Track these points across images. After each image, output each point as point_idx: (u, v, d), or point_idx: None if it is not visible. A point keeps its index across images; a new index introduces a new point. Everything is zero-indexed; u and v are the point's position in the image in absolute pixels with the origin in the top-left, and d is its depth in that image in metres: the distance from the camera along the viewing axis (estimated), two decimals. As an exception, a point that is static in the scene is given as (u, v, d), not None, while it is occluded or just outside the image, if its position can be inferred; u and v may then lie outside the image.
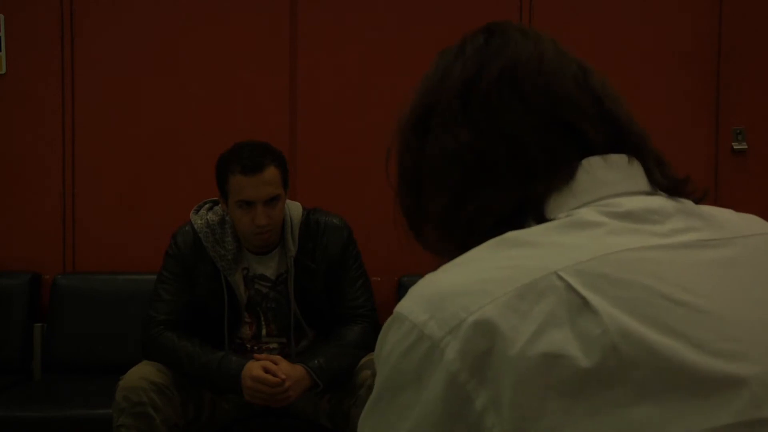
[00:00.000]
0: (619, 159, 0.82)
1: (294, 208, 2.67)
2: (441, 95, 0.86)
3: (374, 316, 2.70)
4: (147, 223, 3.49)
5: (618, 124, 0.84)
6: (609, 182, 0.80)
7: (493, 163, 0.82)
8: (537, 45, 0.86)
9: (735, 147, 3.52)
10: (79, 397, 2.95)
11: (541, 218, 0.79)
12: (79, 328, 3.33)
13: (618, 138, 0.83)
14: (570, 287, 0.69)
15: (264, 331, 2.69)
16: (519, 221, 0.79)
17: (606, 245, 0.73)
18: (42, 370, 3.37)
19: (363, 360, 2.60)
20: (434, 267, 0.78)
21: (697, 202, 0.84)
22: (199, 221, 2.63)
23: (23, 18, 3.52)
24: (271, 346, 2.69)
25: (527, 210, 0.79)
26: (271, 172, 2.52)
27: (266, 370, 2.47)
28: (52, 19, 3.50)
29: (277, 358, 2.53)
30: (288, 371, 2.48)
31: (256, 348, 2.68)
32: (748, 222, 0.83)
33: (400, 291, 3.28)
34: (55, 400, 2.95)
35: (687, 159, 3.44)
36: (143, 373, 2.47)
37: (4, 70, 3.52)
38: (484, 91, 0.84)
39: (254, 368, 2.47)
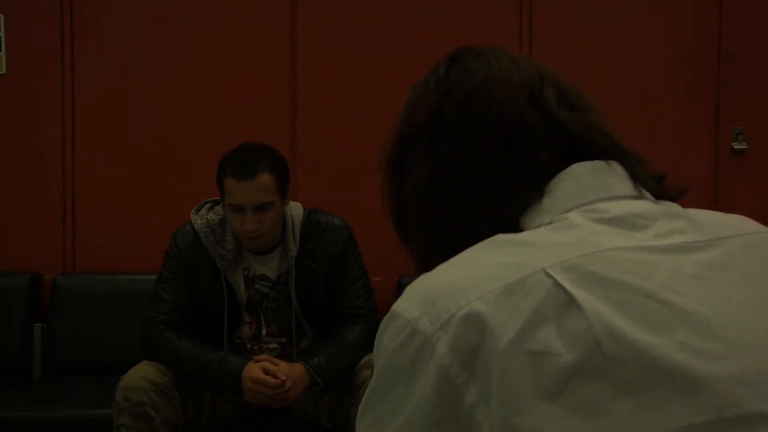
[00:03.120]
0: (600, 165, 0.83)
1: (295, 209, 2.67)
2: (410, 134, 0.91)
3: (374, 316, 2.71)
4: (147, 224, 3.49)
5: (575, 133, 0.85)
6: (593, 187, 0.82)
7: (460, 195, 0.86)
8: (490, 69, 0.88)
9: (735, 147, 3.52)
10: (79, 397, 2.96)
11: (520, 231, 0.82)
12: (79, 328, 3.33)
13: (586, 146, 0.85)
14: (557, 284, 0.71)
15: (264, 331, 2.69)
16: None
17: (594, 244, 0.75)
18: (42, 370, 3.37)
19: (363, 360, 2.61)
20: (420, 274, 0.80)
21: (675, 199, 0.85)
22: (200, 221, 2.63)
23: (23, 18, 3.52)
24: (271, 346, 2.69)
25: (504, 230, 0.81)
26: (264, 179, 2.50)
27: (266, 372, 2.47)
28: (52, 19, 3.50)
29: (276, 360, 2.54)
30: (287, 371, 2.48)
31: (256, 348, 2.69)
32: (735, 222, 0.84)
33: (400, 291, 3.25)
34: (55, 400, 2.95)
35: (687, 159, 3.45)
36: (143, 373, 2.47)
37: (4, 70, 3.52)
38: (445, 127, 0.87)
39: (254, 370, 2.48)
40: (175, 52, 3.53)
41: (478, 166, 0.85)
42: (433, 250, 0.87)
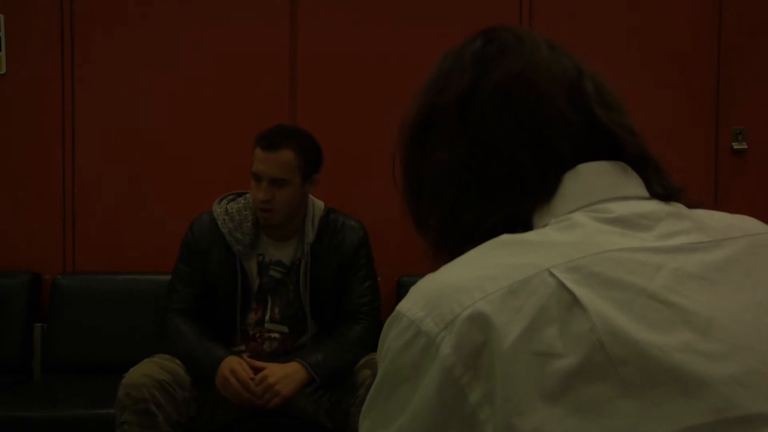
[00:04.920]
0: (612, 165, 0.83)
1: (318, 203, 2.78)
2: (439, 107, 0.87)
3: (377, 316, 2.74)
4: (147, 223, 3.49)
5: (611, 132, 0.84)
6: (600, 187, 0.81)
7: (487, 179, 0.84)
8: (532, 54, 0.86)
9: (735, 147, 3.52)
10: (79, 397, 2.95)
11: (530, 229, 0.81)
12: (79, 328, 3.33)
13: (612, 145, 0.84)
14: (561, 284, 0.71)
15: (268, 316, 2.72)
16: (510, 232, 0.81)
17: (598, 244, 0.75)
18: (42, 370, 3.37)
19: (363, 359, 2.61)
20: (433, 267, 0.80)
21: (690, 207, 0.84)
22: (219, 209, 2.72)
23: (23, 18, 3.52)
24: (273, 335, 2.72)
25: (518, 222, 0.81)
26: (285, 155, 2.60)
27: (251, 367, 2.52)
28: (52, 19, 3.50)
29: (265, 364, 2.56)
30: (275, 371, 2.50)
31: (257, 335, 2.72)
32: (740, 223, 0.84)
33: (400, 291, 3.28)
34: (55, 400, 2.95)
35: (687, 159, 3.45)
36: (146, 371, 2.49)
37: (4, 70, 3.52)
38: (479, 107, 0.85)
39: (234, 361, 2.52)
40: (176, 52, 3.52)
41: (509, 154, 0.83)
42: (449, 234, 0.87)
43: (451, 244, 0.84)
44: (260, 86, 3.51)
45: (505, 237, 0.78)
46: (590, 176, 0.82)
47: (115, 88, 3.52)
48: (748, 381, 0.69)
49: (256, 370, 2.53)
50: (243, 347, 2.72)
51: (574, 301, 0.70)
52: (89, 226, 3.53)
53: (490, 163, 0.83)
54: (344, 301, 2.73)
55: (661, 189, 0.84)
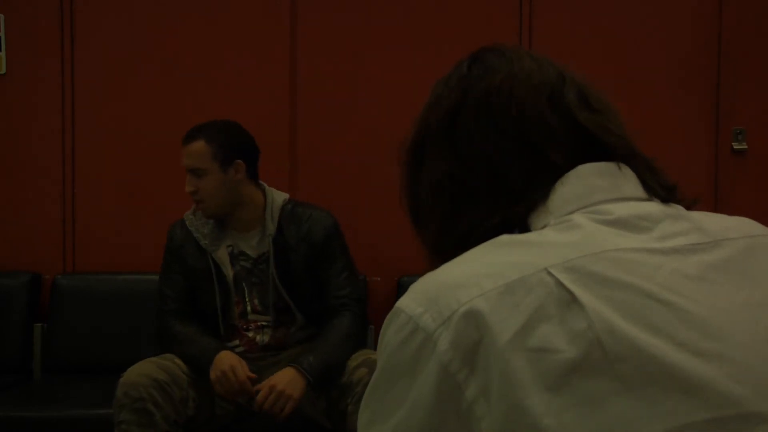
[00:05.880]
0: (609, 166, 0.84)
1: (277, 195, 2.79)
2: (430, 128, 0.92)
3: (359, 306, 2.75)
4: (147, 223, 3.49)
5: (594, 134, 0.86)
6: (599, 188, 0.83)
7: (475, 189, 0.86)
8: (512, 66, 0.89)
9: (735, 147, 3.52)
10: (79, 397, 2.96)
11: (527, 231, 0.83)
12: (79, 328, 3.33)
13: (601, 147, 0.86)
14: (559, 283, 0.72)
15: (249, 308, 2.74)
16: (508, 233, 0.82)
17: (597, 244, 0.76)
18: (42, 370, 3.37)
19: (360, 359, 2.62)
20: (433, 268, 0.81)
21: (687, 208, 0.86)
22: (188, 212, 2.78)
23: (23, 18, 3.52)
24: (260, 323, 2.74)
25: (513, 225, 0.83)
26: (196, 146, 2.67)
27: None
28: (52, 19, 3.50)
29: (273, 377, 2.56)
30: (280, 377, 2.52)
31: (244, 327, 2.74)
32: (738, 225, 0.85)
33: (400, 291, 3.28)
34: (55, 400, 2.95)
35: (687, 159, 3.45)
36: (144, 370, 2.50)
37: (4, 70, 3.52)
38: (464, 122, 0.88)
39: (234, 358, 2.55)
40: (175, 52, 3.53)
41: (494, 163, 0.86)
42: (446, 242, 0.89)
43: (449, 251, 0.85)
44: (260, 85, 3.52)
45: (504, 237, 0.79)
46: (589, 177, 0.83)
47: (115, 87, 3.52)
48: (745, 379, 0.70)
49: (253, 381, 2.55)
50: (237, 342, 2.73)
51: (572, 300, 0.71)
52: (89, 226, 3.53)
53: (476, 174, 0.86)
54: (325, 295, 2.74)
55: (659, 189, 0.85)
